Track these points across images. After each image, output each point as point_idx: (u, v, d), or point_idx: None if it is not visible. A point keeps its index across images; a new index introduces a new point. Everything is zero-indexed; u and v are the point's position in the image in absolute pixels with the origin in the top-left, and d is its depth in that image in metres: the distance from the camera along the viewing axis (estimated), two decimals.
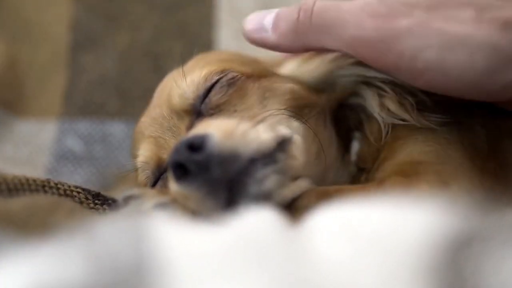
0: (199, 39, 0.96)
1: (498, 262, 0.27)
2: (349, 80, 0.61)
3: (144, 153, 0.60)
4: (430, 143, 0.56)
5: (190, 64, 0.65)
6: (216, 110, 0.57)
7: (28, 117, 0.93)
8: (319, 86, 0.62)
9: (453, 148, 0.56)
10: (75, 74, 0.95)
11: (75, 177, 0.87)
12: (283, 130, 0.54)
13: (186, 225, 0.36)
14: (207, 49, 0.94)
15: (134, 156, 0.63)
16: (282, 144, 0.51)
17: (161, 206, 0.50)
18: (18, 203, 0.47)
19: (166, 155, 0.57)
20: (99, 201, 0.56)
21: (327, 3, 0.55)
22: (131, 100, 0.93)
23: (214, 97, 0.58)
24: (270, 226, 0.37)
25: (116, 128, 0.91)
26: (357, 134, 0.63)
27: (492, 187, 0.53)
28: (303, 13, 0.55)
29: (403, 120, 0.57)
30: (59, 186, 0.54)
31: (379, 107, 0.58)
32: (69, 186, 0.55)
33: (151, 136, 0.60)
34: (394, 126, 0.58)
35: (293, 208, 0.50)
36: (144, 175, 0.60)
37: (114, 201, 0.57)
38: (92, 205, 0.55)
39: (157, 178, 0.60)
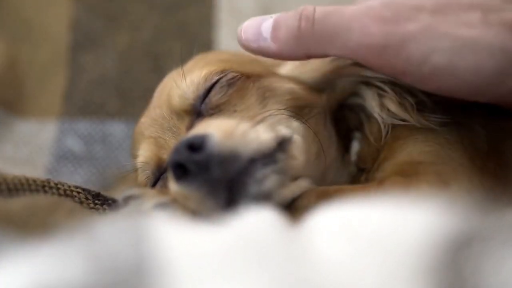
0: (199, 39, 0.96)
1: (498, 262, 0.27)
2: (349, 80, 0.61)
3: (144, 153, 0.60)
4: (430, 143, 0.56)
5: (190, 64, 0.65)
6: (216, 110, 0.57)
7: (28, 117, 0.93)
8: (319, 86, 0.62)
9: (453, 148, 0.56)
10: (75, 74, 0.95)
11: (75, 177, 0.87)
12: (283, 130, 0.54)
13: (186, 225, 0.36)
14: (207, 49, 0.94)
15: (134, 156, 0.63)
16: (282, 144, 0.51)
17: (161, 206, 0.50)
18: (18, 203, 0.47)
19: (166, 155, 0.57)
20: (99, 201, 0.56)
21: (328, 8, 0.53)
22: (131, 100, 0.93)
23: (214, 97, 0.58)
24: (270, 226, 0.37)
25: (116, 128, 0.91)
26: (357, 134, 0.63)
27: (492, 187, 0.53)
28: (304, 20, 0.53)
29: (403, 120, 0.57)
30: (59, 186, 0.54)
31: (379, 107, 0.58)
32: (69, 186, 0.55)
33: (151, 136, 0.60)
34: (394, 126, 0.58)
35: (293, 208, 0.50)
36: (144, 175, 0.60)
37: (114, 201, 0.57)
38: (92, 205, 0.55)
39: (157, 178, 0.60)
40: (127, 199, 0.52)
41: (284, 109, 0.57)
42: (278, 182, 0.48)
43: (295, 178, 0.51)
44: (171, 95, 0.60)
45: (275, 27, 0.55)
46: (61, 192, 0.54)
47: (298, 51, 0.54)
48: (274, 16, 0.56)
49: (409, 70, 0.51)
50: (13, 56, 0.95)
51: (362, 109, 0.61)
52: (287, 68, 0.65)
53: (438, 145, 0.56)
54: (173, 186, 0.48)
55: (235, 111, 0.57)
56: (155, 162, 0.59)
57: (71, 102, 0.93)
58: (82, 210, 0.53)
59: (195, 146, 0.46)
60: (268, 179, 0.47)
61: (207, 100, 0.58)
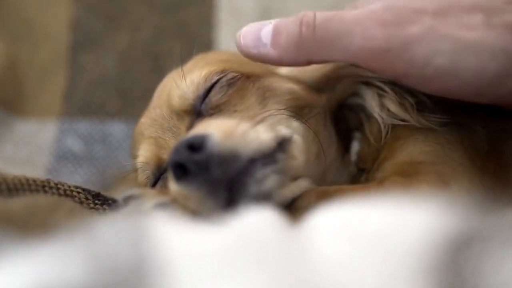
0: (199, 39, 0.96)
1: (498, 262, 0.27)
2: (349, 80, 0.61)
3: (144, 154, 0.60)
4: (430, 143, 0.56)
5: (190, 64, 0.65)
6: (216, 110, 0.57)
7: (28, 117, 0.93)
8: (319, 86, 0.62)
9: (453, 148, 0.56)
10: (75, 74, 0.95)
11: (75, 177, 0.87)
12: (283, 130, 0.54)
13: (186, 225, 0.36)
14: (207, 49, 0.94)
15: (134, 156, 0.63)
16: (282, 144, 0.51)
17: (161, 206, 0.50)
18: (18, 203, 0.47)
19: (166, 156, 0.57)
20: (99, 201, 0.56)
21: (329, 14, 0.52)
22: (131, 100, 0.93)
23: (214, 97, 0.58)
24: (270, 226, 0.37)
25: (116, 128, 0.91)
26: (357, 134, 0.63)
27: (492, 187, 0.53)
28: (305, 26, 0.52)
29: (403, 120, 0.57)
30: (59, 186, 0.54)
31: (379, 107, 0.58)
32: (69, 186, 0.55)
33: (151, 136, 0.60)
34: (394, 126, 0.58)
35: (293, 208, 0.50)
36: (144, 175, 0.60)
37: (114, 201, 0.57)
38: (92, 205, 0.55)
39: (157, 178, 0.60)
40: (127, 199, 0.52)
41: (284, 109, 0.57)
42: (278, 182, 0.48)
43: (295, 178, 0.51)
44: (171, 95, 0.60)
45: (275, 33, 0.54)
46: (61, 192, 0.54)
47: (299, 57, 0.54)
48: (273, 21, 0.55)
49: (411, 73, 0.51)
50: (13, 56, 0.95)
51: (362, 109, 0.61)
52: (287, 68, 0.65)
53: (438, 145, 0.56)
54: (173, 186, 0.48)
55: (235, 111, 0.57)
56: (155, 162, 0.59)
57: (71, 102, 0.93)
58: (82, 210, 0.53)
59: (195, 146, 0.46)
60: (268, 179, 0.47)
61: (207, 100, 0.58)
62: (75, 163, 0.89)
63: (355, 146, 0.63)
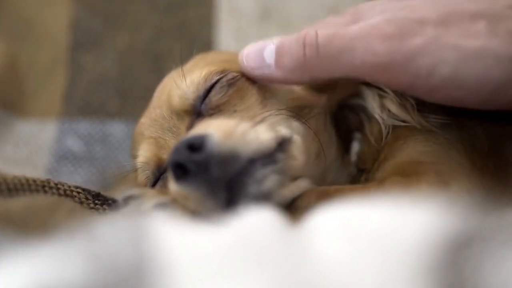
0: (199, 39, 0.96)
1: (498, 262, 0.27)
2: (349, 81, 0.61)
3: (144, 154, 0.60)
4: (430, 143, 0.56)
5: (190, 64, 0.65)
6: (216, 110, 0.57)
7: (28, 117, 0.93)
8: (319, 87, 0.62)
9: (453, 148, 0.56)
10: (75, 74, 0.95)
11: (75, 177, 0.87)
12: (283, 130, 0.54)
13: (186, 225, 0.36)
14: (207, 49, 0.94)
15: (134, 156, 0.63)
16: (282, 144, 0.51)
17: (161, 206, 0.50)
18: (18, 203, 0.47)
19: (166, 156, 0.57)
20: (99, 201, 0.56)
21: (330, 31, 0.52)
22: (131, 100, 0.93)
23: (214, 97, 0.58)
24: (270, 226, 0.37)
25: (116, 128, 0.91)
26: (357, 135, 0.63)
27: (492, 187, 0.53)
28: (308, 48, 0.52)
29: (404, 121, 0.57)
30: (59, 186, 0.54)
31: (380, 108, 0.58)
32: (69, 186, 0.55)
33: (151, 136, 0.60)
34: (394, 126, 0.58)
35: (293, 208, 0.50)
36: (144, 175, 0.60)
37: (114, 201, 0.57)
38: (92, 205, 0.55)
39: (157, 179, 0.60)
40: (127, 199, 0.52)
41: (284, 109, 0.57)
42: (277, 182, 0.48)
43: (295, 178, 0.51)
44: (171, 95, 0.60)
45: (279, 54, 0.55)
46: (61, 192, 0.54)
47: (303, 77, 0.54)
48: (275, 41, 0.55)
49: (416, 84, 0.51)
50: (13, 56, 0.95)
51: (363, 109, 0.61)
52: None
53: (438, 145, 0.56)
54: (173, 186, 0.48)
55: (235, 111, 0.57)
56: (155, 162, 0.59)
57: (71, 102, 0.93)
58: (82, 210, 0.53)
59: (195, 146, 0.46)
60: (267, 179, 0.47)
61: (207, 100, 0.58)
62: (75, 163, 0.89)
63: (355, 147, 0.63)
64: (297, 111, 0.58)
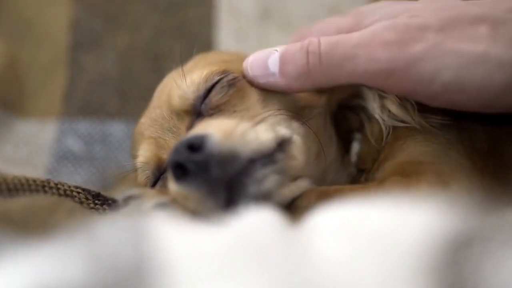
0: (199, 39, 0.96)
1: (498, 262, 0.27)
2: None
3: (144, 154, 0.60)
4: (430, 143, 0.56)
5: (190, 64, 0.64)
6: (216, 110, 0.57)
7: (28, 117, 0.93)
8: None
9: (453, 148, 0.56)
10: (75, 74, 0.95)
11: (75, 177, 0.87)
12: (283, 131, 0.54)
13: (186, 225, 0.36)
14: (207, 49, 0.94)
15: (134, 156, 0.63)
16: (282, 144, 0.51)
17: (161, 206, 0.50)
18: (18, 203, 0.47)
19: (166, 156, 0.57)
20: (99, 201, 0.56)
21: (332, 39, 0.53)
22: (131, 100, 0.93)
23: (215, 97, 0.58)
24: (270, 226, 0.37)
25: (116, 128, 0.91)
26: (357, 135, 0.63)
27: (492, 187, 0.53)
28: (312, 56, 0.53)
29: (404, 121, 0.57)
30: (59, 186, 0.54)
31: (380, 109, 0.58)
32: (69, 186, 0.55)
33: (151, 136, 0.60)
34: (394, 126, 0.58)
35: (293, 208, 0.50)
36: (144, 175, 0.60)
37: (114, 201, 0.57)
38: (92, 205, 0.55)
39: (157, 179, 0.60)
40: (127, 199, 0.52)
41: (284, 110, 0.57)
42: (277, 182, 0.48)
43: (294, 178, 0.51)
44: (171, 95, 0.60)
45: (283, 62, 0.55)
46: (61, 192, 0.54)
47: (307, 84, 0.55)
48: (279, 49, 0.56)
49: (418, 90, 0.51)
50: (13, 56, 0.95)
51: (363, 110, 0.61)
52: None
53: (438, 145, 0.56)
54: (173, 186, 0.48)
55: (235, 111, 0.57)
56: (155, 162, 0.59)
57: (71, 102, 0.93)
58: (82, 210, 0.53)
59: (195, 146, 0.46)
60: (267, 179, 0.47)
61: (207, 100, 0.58)
62: (75, 163, 0.89)
63: (355, 147, 0.63)
64: (297, 112, 0.58)
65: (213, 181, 0.46)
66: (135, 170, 0.62)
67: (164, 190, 0.55)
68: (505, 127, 0.58)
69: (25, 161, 0.88)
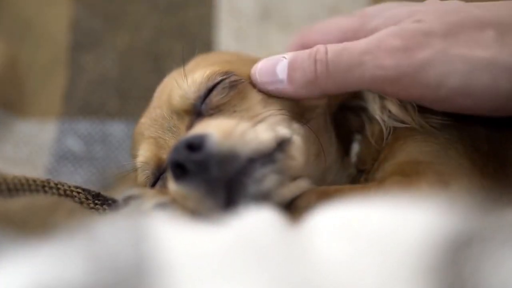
0: (199, 39, 0.96)
1: (498, 262, 0.27)
2: None
3: (144, 154, 0.60)
4: (430, 143, 0.56)
5: (191, 64, 0.64)
6: (216, 110, 0.57)
7: (28, 117, 0.93)
8: None
9: (453, 148, 0.56)
10: (75, 74, 0.95)
11: (75, 177, 0.87)
12: (283, 131, 0.54)
13: (186, 225, 0.36)
14: (207, 49, 0.94)
15: (134, 156, 0.63)
16: (281, 144, 0.51)
17: (161, 206, 0.50)
18: (18, 203, 0.47)
19: (166, 156, 0.57)
20: (99, 201, 0.56)
21: (339, 47, 0.53)
22: (131, 100, 0.93)
23: (215, 97, 0.57)
24: (270, 226, 0.37)
25: (116, 128, 0.91)
26: (357, 136, 0.63)
27: (492, 187, 0.53)
28: (319, 64, 0.53)
29: (404, 122, 0.57)
30: (59, 186, 0.54)
31: (380, 109, 0.58)
32: (69, 186, 0.55)
33: (151, 136, 0.60)
34: (395, 127, 0.58)
35: (293, 208, 0.50)
36: (144, 175, 0.60)
37: (114, 201, 0.57)
38: (92, 205, 0.55)
39: (157, 178, 0.60)
40: (127, 199, 0.52)
41: (284, 110, 0.57)
42: (277, 182, 0.48)
43: (294, 178, 0.51)
44: (172, 95, 0.60)
45: (291, 69, 0.55)
46: (61, 192, 0.54)
47: (315, 92, 0.55)
48: (287, 56, 0.56)
49: (425, 95, 0.51)
50: (13, 56, 0.95)
51: (364, 111, 0.61)
52: None
53: (438, 145, 0.56)
54: (172, 185, 0.48)
55: (234, 111, 0.57)
56: (155, 162, 0.59)
57: (71, 102, 0.93)
58: (82, 210, 0.53)
59: (194, 145, 0.46)
60: (267, 178, 0.47)
61: (207, 100, 0.58)
62: (75, 163, 0.89)
63: (355, 148, 0.63)
64: (298, 112, 0.58)
65: (213, 181, 0.46)
66: (135, 170, 0.62)
67: (164, 190, 0.55)
68: (506, 127, 0.58)
69: (25, 161, 0.88)
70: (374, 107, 0.59)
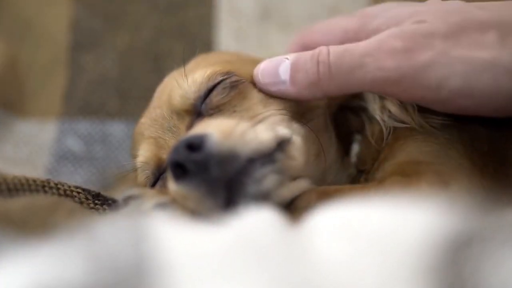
0: (199, 39, 0.96)
1: (498, 262, 0.27)
2: None
3: (144, 154, 0.60)
4: (430, 143, 0.56)
5: (191, 64, 0.64)
6: (216, 110, 0.57)
7: (28, 117, 0.93)
8: None
9: (453, 148, 0.56)
10: (75, 74, 0.95)
11: (75, 177, 0.87)
12: (283, 131, 0.54)
13: (186, 225, 0.36)
14: (207, 49, 0.94)
15: (134, 156, 0.63)
16: (281, 144, 0.51)
17: (161, 206, 0.50)
18: (18, 203, 0.47)
19: (166, 156, 0.57)
20: (99, 201, 0.56)
21: (340, 48, 0.53)
22: (131, 100, 0.93)
23: (216, 97, 0.57)
24: (270, 226, 0.37)
25: (116, 128, 0.91)
26: (357, 136, 0.63)
27: (492, 187, 0.53)
28: (322, 66, 0.53)
29: (404, 122, 0.57)
30: (59, 186, 0.54)
31: (380, 110, 0.58)
32: (69, 186, 0.55)
33: (151, 136, 0.60)
34: (395, 127, 0.58)
35: (293, 208, 0.50)
36: (144, 175, 0.60)
37: (114, 201, 0.57)
38: (92, 205, 0.55)
39: (156, 178, 0.60)
40: (127, 199, 0.52)
41: (284, 110, 0.57)
42: (277, 182, 0.48)
43: (294, 178, 0.51)
44: (172, 95, 0.60)
45: (294, 71, 0.55)
46: (61, 192, 0.54)
47: (317, 93, 0.55)
48: (290, 58, 0.56)
49: (427, 97, 0.51)
50: (13, 56, 0.95)
51: (364, 111, 0.61)
52: None
53: (438, 145, 0.56)
54: (172, 185, 0.48)
55: (234, 111, 0.57)
56: (155, 162, 0.59)
57: (71, 102, 0.93)
58: (82, 210, 0.53)
59: (194, 145, 0.46)
60: (266, 178, 0.47)
61: (207, 100, 0.58)
62: (75, 163, 0.89)
63: (355, 148, 0.63)
64: (298, 112, 0.58)
65: (213, 181, 0.46)
66: (135, 170, 0.62)
67: (164, 190, 0.55)
68: (506, 127, 0.58)
69: (25, 161, 0.88)
70: (374, 107, 0.59)
